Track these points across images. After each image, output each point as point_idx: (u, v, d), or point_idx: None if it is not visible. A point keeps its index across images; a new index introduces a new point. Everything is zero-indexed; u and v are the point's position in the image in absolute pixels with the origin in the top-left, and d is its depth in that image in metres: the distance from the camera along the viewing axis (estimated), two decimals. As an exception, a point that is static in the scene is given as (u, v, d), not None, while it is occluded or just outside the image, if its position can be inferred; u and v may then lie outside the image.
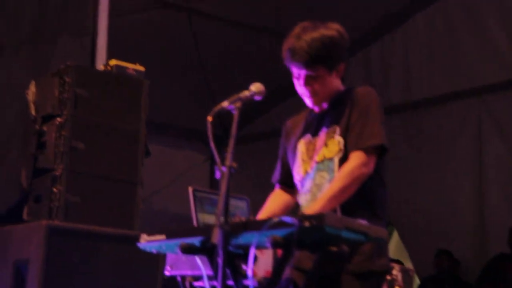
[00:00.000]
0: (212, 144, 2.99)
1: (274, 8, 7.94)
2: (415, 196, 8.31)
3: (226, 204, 2.83)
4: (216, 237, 2.66)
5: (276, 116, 8.79)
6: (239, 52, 8.36)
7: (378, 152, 3.19)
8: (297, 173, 3.36)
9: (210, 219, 4.07)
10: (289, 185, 3.47)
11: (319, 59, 3.21)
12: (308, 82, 3.26)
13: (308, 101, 3.35)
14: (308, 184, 3.29)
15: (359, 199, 3.16)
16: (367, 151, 3.15)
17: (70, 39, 6.18)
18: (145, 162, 8.28)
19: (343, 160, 3.19)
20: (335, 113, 3.28)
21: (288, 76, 3.39)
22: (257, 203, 3.66)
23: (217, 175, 2.91)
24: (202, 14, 7.88)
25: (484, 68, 7.97)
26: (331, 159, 3.22)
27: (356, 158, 3.14)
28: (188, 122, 8.95)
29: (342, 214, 3.10)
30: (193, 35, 8.04)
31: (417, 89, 8.41)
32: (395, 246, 11.10)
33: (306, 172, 3.31)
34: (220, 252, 2.70)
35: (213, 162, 9.91)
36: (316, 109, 3.38)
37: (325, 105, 3.35)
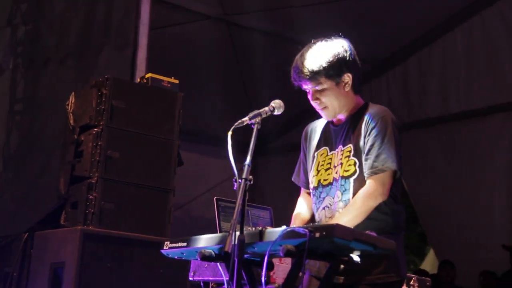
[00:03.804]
0: (230, 158, 3.09)
1: (312, 21, 8.07)
2: (450, 208, 8.35)
3: (242, 215, 2.98)
4: (229, 245, 2.81)
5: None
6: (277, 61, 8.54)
7: (393, 175, 3.33)
8: (311, 182, 3.51)
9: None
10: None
11: (319, 72, 3.33)
12: (315, 96, 3.40)
13: (322, 115, 3.49)
14: (326, 200, 3.43)
15: (376, 217, 3.30)
16: (384, 176, 3.29)
17: (112, 51, 6.31)
18: (189, 171, 8.48)
19: (357, 180, 3.33)
20: (350, 131, 3.41)
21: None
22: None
23: (235, 186, 3.04)
24: (240, 26, 8.06)
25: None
26: (347, 179, 3.36)
27: (375, 182, 3.28)
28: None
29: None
30: (232, 46, 8.23)
31: (454, 103, 8.46)
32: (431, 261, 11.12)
33: (319, 183, 3.46)
34: (234, 260, 2.85)
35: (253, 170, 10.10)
36: (334, 120, 3.50)
37: (342, 118, 3.47)
